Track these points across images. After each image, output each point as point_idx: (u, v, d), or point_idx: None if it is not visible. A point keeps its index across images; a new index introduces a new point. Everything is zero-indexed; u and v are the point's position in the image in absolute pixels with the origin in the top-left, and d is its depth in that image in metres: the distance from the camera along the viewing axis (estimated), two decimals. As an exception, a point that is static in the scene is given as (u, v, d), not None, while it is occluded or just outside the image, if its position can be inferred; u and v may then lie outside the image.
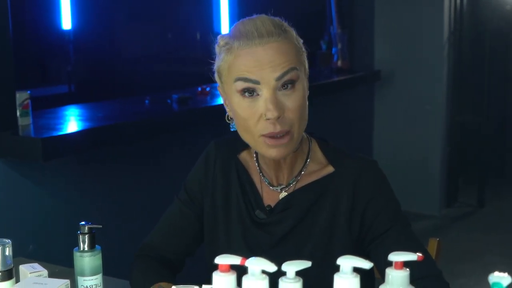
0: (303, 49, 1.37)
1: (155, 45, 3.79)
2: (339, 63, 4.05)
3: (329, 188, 1.41)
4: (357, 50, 4.41)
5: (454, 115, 4.71)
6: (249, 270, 0.93)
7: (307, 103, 1.37)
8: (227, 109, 1.41)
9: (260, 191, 1.46)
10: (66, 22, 3.45)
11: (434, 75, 4.52)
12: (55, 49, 3.46)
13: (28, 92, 2.33)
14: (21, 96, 2.29)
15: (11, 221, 2.22)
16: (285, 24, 1.36)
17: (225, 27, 4.06)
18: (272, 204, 1.44)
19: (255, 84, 1.31)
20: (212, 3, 4.08)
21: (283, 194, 1.44)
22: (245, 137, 1.37)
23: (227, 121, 1.42)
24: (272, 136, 1.32)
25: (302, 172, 1.44)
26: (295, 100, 1.32)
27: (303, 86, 1.34)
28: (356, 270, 0.94)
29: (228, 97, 1.37)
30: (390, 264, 0.98)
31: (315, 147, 1.46)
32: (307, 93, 1.37)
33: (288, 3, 4.00)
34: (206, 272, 1.45)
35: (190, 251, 1.53)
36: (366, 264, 0.91)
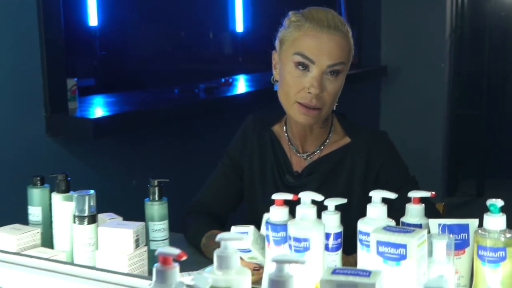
0: (353, 49, 1.65)
1: (177, 41, 4.03)
2: (348, 58, 4.30)
3: (347, 156, 1.69)
4: (365, 47, 4.66)
5: (454, 109, 4.96)
6: (302, 201, 1.20)
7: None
8: (274, 72, 1.68)
9: (289, 158, 1.74)
10: (93, 19, 3.70)
11: (436, 71, 4.77)
12: (84, 44, 3.70)
13: (75, 79, 2.61)
14: (70, 83, 2.56)
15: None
16: (347, 25, 1.63)
17: (239, 25, 4.31)
18: (299, 170, 1.72)
19: (310, 62, 1.58)
20: (228, 2, 4.32)
21: (309, 160, 1.72)
22: (283, 99, 1.64)
23: (272, 82, 1.69)
24: (305, 106, 1.59)
25: (326, 142, 1.71)
26: (334, 87, 1.60)
27: (343, 78, 1.62)
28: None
29: (282, 63, 1.64)
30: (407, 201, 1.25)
31: (335, 122, 1.74)
32: (343, 84, 1.64)
33: (299, 1, 4.24)
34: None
35: (232, 207, 1.80)
36: (392, 195, 1.19)
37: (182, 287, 0.96)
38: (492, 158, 5.37)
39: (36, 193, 1.64)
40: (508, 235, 1.11)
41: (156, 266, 0.96)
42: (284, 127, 1.75)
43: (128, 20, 3.75)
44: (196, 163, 3.01)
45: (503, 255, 1.10)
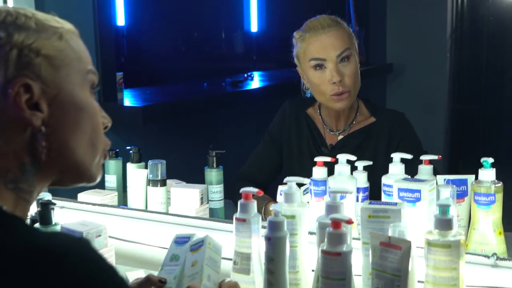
0: (353, 35, 2.00)
1: (192, 40, 4.29)
2: (357, 56, 4.64)
3: (372, 132, 2.05)
4: (371, 45, 5.01)
5: (455, 104, 5.30)
6: (339, 161, 1.55)
7: (359, 71, 2.00)
8: (304, 82, 2.05)
9: (323, 135, 2.09)
10: (120, 19, 4.01)
11: (438, 68, 5.11)
12: (118, 41, 3.98)
13: (121, 73, 2.96)
14: (117, 76, 2.91)
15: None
16: (339, 19, 1.99)
17: (254, 25, 4.63)
18: (333, 143, 2.07)
19: (322, 61, 1.94)
20: (243, 4, 4.64)
21: (341, 136, 2.08)
22: (319, 97, 2.01)
23: (304, 90, 2.06)
24: (337, 94, 1.95)
25: (354, 122, 2.07)
26: (350, 69, 1.96)
27: (355, 60, 1.97)
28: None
29: (305, 73, 2.00)
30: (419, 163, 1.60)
31: (361, 105, 2.10)
32: (358, 65, 2.00)
33: (310, 3, 4.56)
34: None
35: (273, 177, 2.16)
36: (408, 156, 1.54)
37: (258, 217, 1.32)
38: (490, 150, 5.70)
39: (112, 164, 2.00)
40: (497, 185, 1.46)
41: (240, 201, 1.32)
42: (318, 110, 2.11)
43: (153, 21, 4.05)
44: (225, 146, 3.34)
45: (493, 199, 1.45)
